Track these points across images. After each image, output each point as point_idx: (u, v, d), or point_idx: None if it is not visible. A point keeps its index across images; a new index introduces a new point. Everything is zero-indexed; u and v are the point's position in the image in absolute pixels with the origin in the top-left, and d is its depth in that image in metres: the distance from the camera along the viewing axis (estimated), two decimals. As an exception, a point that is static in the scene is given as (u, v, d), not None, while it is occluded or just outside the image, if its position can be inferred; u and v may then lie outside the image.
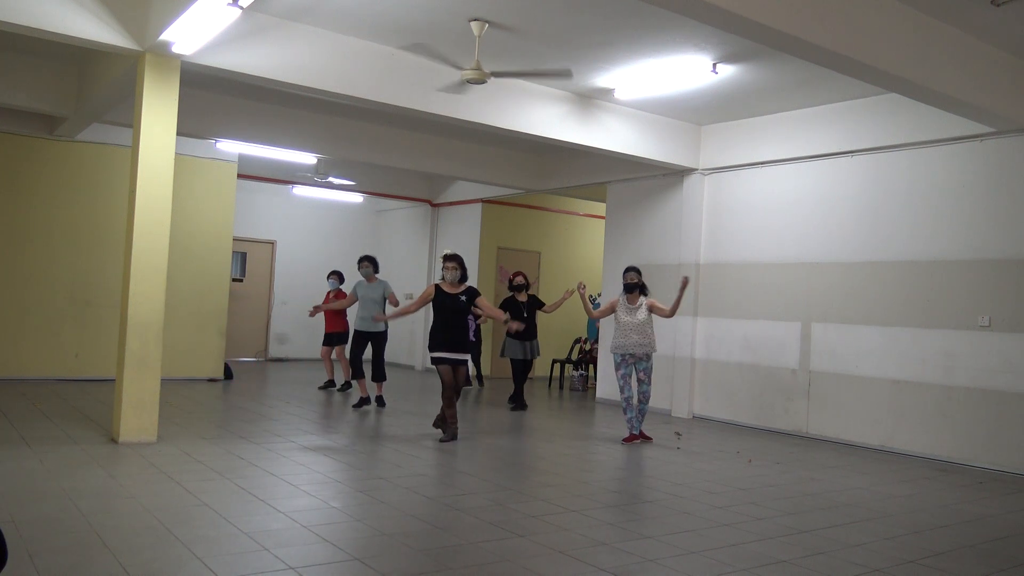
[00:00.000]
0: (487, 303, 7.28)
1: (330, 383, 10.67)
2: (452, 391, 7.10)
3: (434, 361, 7.12)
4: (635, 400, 7.74)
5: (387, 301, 9.20)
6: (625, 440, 7.64)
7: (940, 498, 5.92)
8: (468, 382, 11.44)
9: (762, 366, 9.13)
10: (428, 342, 7.22)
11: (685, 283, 7.48)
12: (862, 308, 8.22)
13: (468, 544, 4.15)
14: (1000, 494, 6.18)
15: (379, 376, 9.05)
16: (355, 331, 9.21)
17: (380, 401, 9.05)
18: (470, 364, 11.74)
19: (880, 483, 6.36)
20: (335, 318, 10.50)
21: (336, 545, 4.03)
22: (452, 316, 7.08)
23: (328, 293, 10.88)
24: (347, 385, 10.57)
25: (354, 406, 8.94)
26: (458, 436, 7.18)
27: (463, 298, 7.13)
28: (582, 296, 7.79)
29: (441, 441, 7.03)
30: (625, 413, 7.72)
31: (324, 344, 10.59)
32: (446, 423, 7.14)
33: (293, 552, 3.85)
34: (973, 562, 4.33)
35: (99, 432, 6.69)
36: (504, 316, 7.35)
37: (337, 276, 10.87)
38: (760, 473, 6.50)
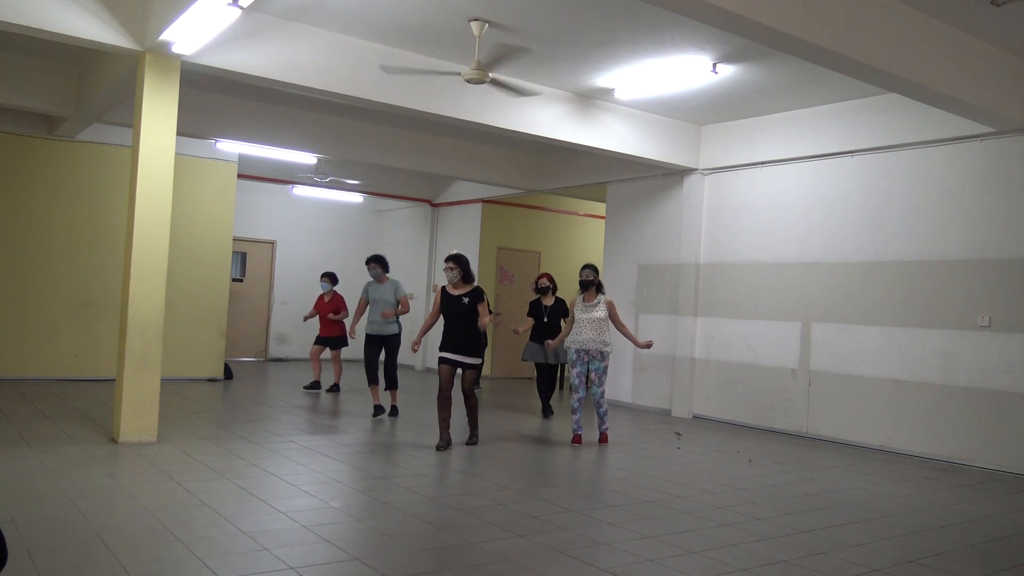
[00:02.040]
0: (485, 309, 6.90)
1: (315, 384, 10.25)
2: (445, 393, 6.84)
3: (439, 361, 6.91)
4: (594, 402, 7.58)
5: (399, 303, 8.62)
6: (573, 441, 7.50)
7: (940, 498, 5.92)
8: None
9: (762, 366, 9.12)
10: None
11: (648, 345, 7.71)
12: (862, 308, 8.22)
13: (468, 544, 4.15)
14: (1000, 494, 6.19)
15: (392, 383, 8.61)
16: (367, 335, 8.71)
17: (394, 410, 8.56)
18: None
19: (880, 483, 6.36)
20: (331, 323, 10.24)
21: (336, 545, 4.03)
22: (453, 319, 6.85)
23: (321, 296, 10.46)
24: (335, 387, 10.24)
25: (373, 416, 8.40)
26: (451, 444, 6.87)
27: (465, 300, 6.83)
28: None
29: (437, 449, 6.75)
30: (574, 413, 7.57)
31: (316, 344, 10.31)
32: (441, 429, 6.90)
33: (293, 552, 3.85)
34: (973, 562, 4.34)
35: (99, 432, 6.69)
36: (485, 324, 6.93)
37: (330, 278, 10.46)
38: (760, 473, 6.50)
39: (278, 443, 6.64)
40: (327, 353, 10.48)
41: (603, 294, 7.61)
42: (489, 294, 13.41)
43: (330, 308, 10.33)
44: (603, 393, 7.52)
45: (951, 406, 7.47)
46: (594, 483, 6.07)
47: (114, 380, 6.68)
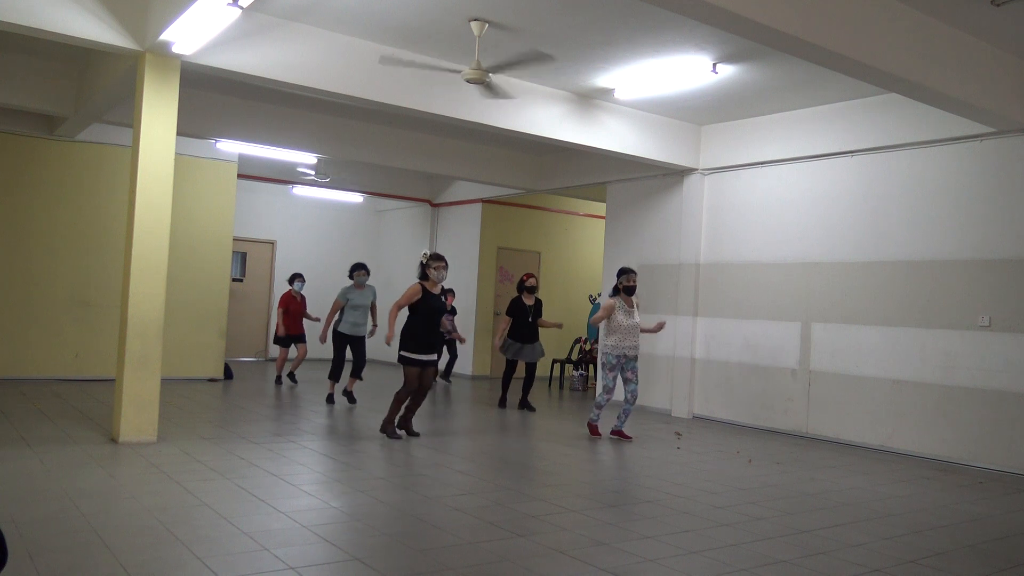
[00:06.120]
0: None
1: (286, 377, 11.02)
2: (420, 394, 7.16)
3: (409, 362, 6.99)
4: (623, 399, 7.82)
5: (371, 307, 9.40)
6: (593, 434, 7.82)
7: (940, 498, 5.92)
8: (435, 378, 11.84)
9: (762, 366, 9.12)
10: (403, 342, 7.03)
11: (661, 327, 7.80)
12: (862, 308, 8.22)
13: (468, 544, 4.15)
14: (1000, 494, 6.19)
15: (359, 372, 9.33)
16: (340, 334, 9.31)
17: (351, 397, 9.24)
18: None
19: (880, 483, 6.36)
20: (299, 320, 11.04)
21: (336, 545, 4.03)
22: (433, 317, 7.06)
23: (291, 295, 11.05)
24: (292, 377, 10.99)
25: (327, 402, 9.19)
26: (397, 436, 7.15)
27: (444, 298, 7.23)
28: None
29: (391, 437, 7.09)
30: (599, 408, 7.81)
31: (286, 345, 11.01)
32: (404, 419, 7.24)
33: (293, 552, 3.85)
34: (973, 562, 4.34)
35: (99, 432, 6.69)
36: (447, 327, 7.51)
37: (302, 279, 11.22)
38: (760, 473, 6.50)
39: (278, 443, 6.64)
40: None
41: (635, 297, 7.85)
42: (489, 294, 13.47)
43: (303, 307, 11.16)
44: (637, 391, 7.82)
45: (951, 406, 7.47)
46: (594, 483, 6.07)
47: (114, 380, 6.68)
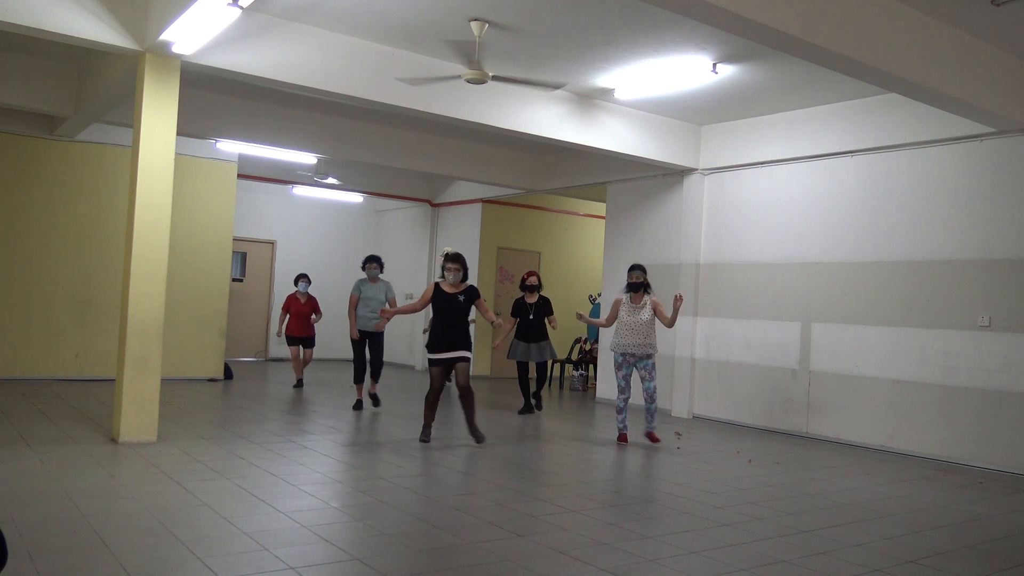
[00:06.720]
0: (484, 305, 7.14)
1: (300, 382, 10.79)
2: (438, 395, 7.04)
3: (430, 363, 7.04)
4: (642, 400, 7.70)
5: (388, 304, 9.03)
6: (620, 440, 7.61)
7: (940, 498, 5.92)
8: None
9: (762, 366, 9.12)
10: (427, 342, 7.15)
11: (679, 300, 7.29)
12: (862, 308, 8.22)
13: (468, 544, 4.15)
14: (1000, 494, 6.19)
15: (377, 375, 9.06)
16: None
17: (376, 400, 9.04)
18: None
19: (880, 483, 6.36)
20: (301, 321, 10.87)
21: (336, 545, 4.03)
22: (451, 317, 6.98)
23: (295, 297, 10.93)
24: (300, 383, 10.76)
25: (353, 408, 8.85)
26: (430, 439, 7.05)
27: (462, 298, 7.01)
28: (584, 318, 7.78)
29: (422, 441, 6.99)
30: (620, 413, 7.64)
31: (292, 344, 10.90)
32: (470, 427, 7.07)
33: (293, 552, 3.85)
34: (973, 562, 4.34)
35: (99, 432, 6.69)
36: (495, 319, 7.07)
37: (307, 280, 11.08)
38: (760, 473, 6.50)
39: (278, 443, 6.64)
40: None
41: (649, 294, 7.58)
42: (489, 294, 13.45)
43: (308, 309, 10.92)
44: (655, 388, 7.59)
45: (951, 406, 7.47)
46: (594, 483, 6.07)
47: (114, 380, 6.68)
